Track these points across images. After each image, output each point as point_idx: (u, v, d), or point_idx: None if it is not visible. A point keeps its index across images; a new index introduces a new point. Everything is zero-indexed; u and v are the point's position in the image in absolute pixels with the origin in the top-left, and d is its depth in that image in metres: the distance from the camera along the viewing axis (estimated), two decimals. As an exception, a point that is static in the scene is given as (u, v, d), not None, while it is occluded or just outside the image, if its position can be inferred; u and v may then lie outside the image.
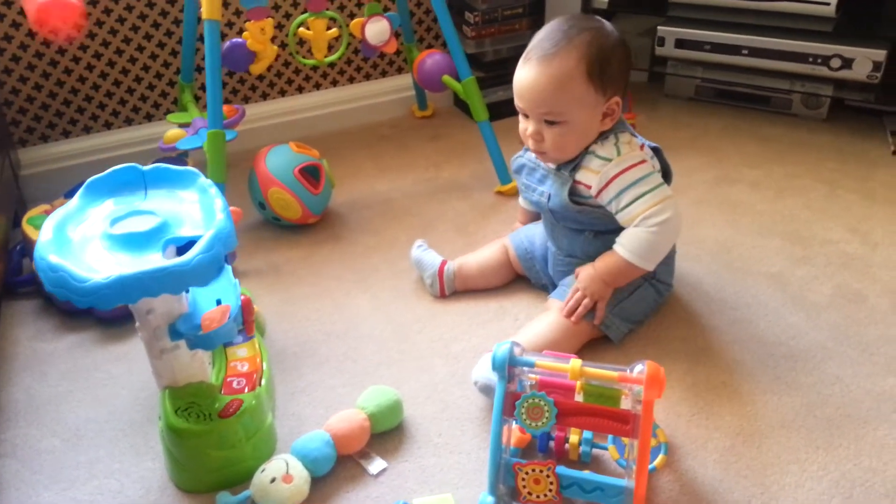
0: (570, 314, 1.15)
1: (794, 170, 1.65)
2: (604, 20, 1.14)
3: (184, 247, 0.90)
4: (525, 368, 0.91)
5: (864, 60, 1.64)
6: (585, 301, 1.15)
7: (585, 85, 1.09)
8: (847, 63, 1.66)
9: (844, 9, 1.67)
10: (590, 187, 1.13)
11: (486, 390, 1.06)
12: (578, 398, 0.90)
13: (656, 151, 1.18)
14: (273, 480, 0.93)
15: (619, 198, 1.11)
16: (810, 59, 1.69)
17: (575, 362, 0.89)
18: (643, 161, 1.12)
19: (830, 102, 1.81)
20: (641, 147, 1.15)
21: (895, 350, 1.16)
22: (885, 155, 1.70)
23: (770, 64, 1.75)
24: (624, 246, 1.14)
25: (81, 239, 0.89)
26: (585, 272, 1.17)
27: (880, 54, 1.62)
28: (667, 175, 1.19)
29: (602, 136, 1.14)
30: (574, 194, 1.15)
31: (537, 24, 1.94)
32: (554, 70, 1.09)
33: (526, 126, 1.15)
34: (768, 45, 1.73)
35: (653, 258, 1.14)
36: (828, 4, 1.64)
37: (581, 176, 1.14)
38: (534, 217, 1.37)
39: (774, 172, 1.65)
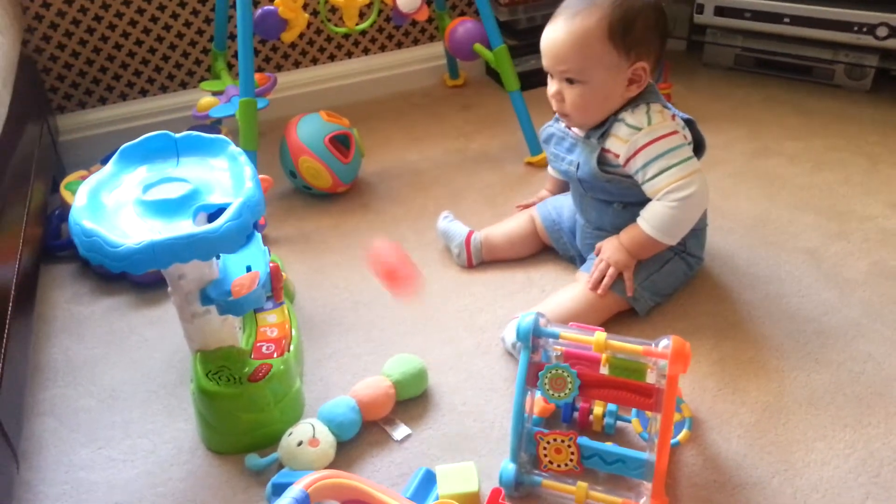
0: (595, 286, 1.15)
1: (834, 143, 1.61)
2: None
3: (214, 214, 0.91)
4: (550, 339, 0.91)
5: (913, 29, 1.58)
6: (611, 271, 1.15)
7: (606, 45, 1.07)
8: (894, 32, 1.60)
9: (893, -25, 1.61)
10: (618, 156, 1.12)
11: (514, 348, 1.07)
12: (604, 371, 0.90)
13: (689, 123, 1.15)
14: (300, 444, 0.95)
15: (646, 168, 1.10)
16: (855, 28, 1.64)
17: (599, 335, 0.89)
18: (674, 132, 1.10)
19: (875, 73, 1.75)
20: (673, 118, 1.13)
21: (931, 329, 1.13)
22: (930, 128, 1.64)
23: (813, 33, 1.70)
24: (646, 220, 1.13)
25: (115, 205, 0.91)
26: (610, 243, 1.17)
27: (930, 23, 1.56)
28: (700, 147, 1.16)
29: (632, 104, 1.12)
30: (603, 163, 1.14)
31: (572, -9, 1.90)
32: (575, 27, 1.08)
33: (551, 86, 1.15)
34: (811, 13, 1.67)
35: (675, 233, 1.13)
36: (876, -30, 1.58)
37: (610, 144, 1.12)
38: (562, 187, 1.36)
39: (814, 145, 1.60)
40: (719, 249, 1.31)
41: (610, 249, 1.16)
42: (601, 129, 1.13)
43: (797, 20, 1.69)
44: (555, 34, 1.11)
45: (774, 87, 1.83)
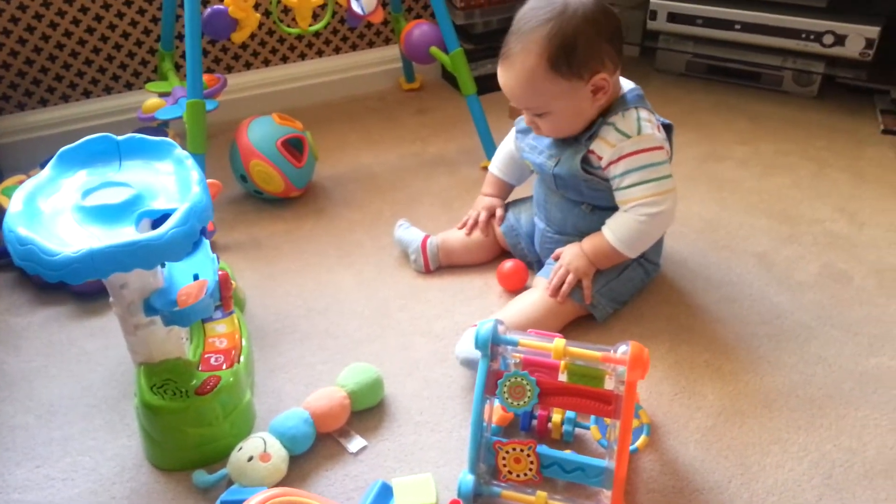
0: (555, 292, 1.14)
1: (783, 147, 1.64)
2: None
3: (158, 220, 0.88)
4: (509, 347, 0.90)
5: (857, 37, 1.62)
6: (569, 278, 1.14)
7: (553, 78, 1.05)
8: (840, 40, 1.64)
9: (838, -16, 1.65)
10: (601, 158, 1.10)
11: (467, 364, 1.05)
12: (562, 378, 0.89)
13: (668, 129, 1.15)
14: (250, 459, 0.92)
15: (624, 177, 1.09)
16: (803, 35, 1.67)
17: (559, 342, 0.88)
18: (660, 147, 1.09)
19: (822, 80, 1.79)
20: (658, 128, 1.12)
21: (879, 330, 1.15)
22: (874, 133, 1.68)
23: (762, 39, 1.73)
24: (612, 230, 1.12)
25: (52, 211, 0.86)
26: (570, 250, 1.16)
27: (873, 31, 1.60)
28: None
29: (622, 107, 1.10)
30: (585, 162, 1.12)
31: (527, -5, 1.90)
32: (518, 71, 1.07)
33: None
34: (761, 21, 1.70)
35: (637, 247, 1.13)
36: (822, -21, 1.61)
37: (596, 146, 1.10)
38: (505, 191, 1.33)
39: (763, 150, 1.63)
40: (673, 253, 1.32)
41: (570, 256, 1.15)
42: (589, 131, 1.11)
43: (747, 27, 1.72)
44: (504, 79, 1.10)
45: (724, 93, 1.86)
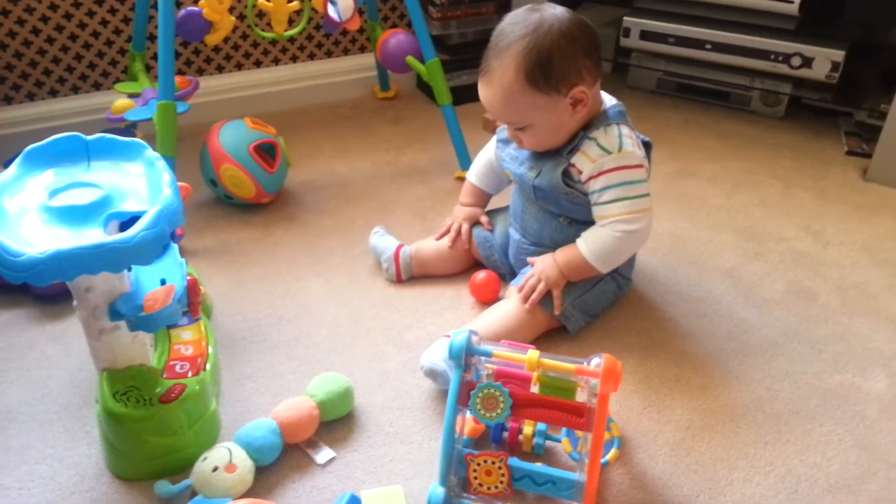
0: (524, 299, 1.14)
1: (750, 166, 1.67)
2: (549, 9, 1.07)
3: (127, 222, 0.85)
4: (482, 358, 0.89)
5: (824, 60, 1.66)
6: (540, 287, 1.14)
7: (531, 93, 1.06)
8: (807, 62, 1.68)
9: (807, 8, 1.68)
10: (581, 172, 1.11)
11: (432, 375, 1.04)
12: (534, 389, 0.89)
13: (647, 146, 1.16)
14: (215, 469, 0.89)
15: (603, 192, 1.10)
16: (772, 57, 1.71)
17: (532, 353, 0.87)
18: (640, 166, 1.10)
19: (788, 101, 1.83)
20: (639, 145, 1.12)
21: (842, 348, 1.17)
22: (838, 155, 1.72)
23: (732, 59, 1.76)
24: (586, 244, 1.13)
25: (17, 210, 0.84)
26: (543, 260, 1.16)
27: (839, 55, 1.64)
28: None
29: (604, 122, 1.10)
30: (565, 175, 1.12)
31: (504, 8, 1.91)
32: (496, 87, 1.08)
33: None
34: (731, 41, 1.73)
35: (610, 262, 1.14)
36: (791, 3, 1.65)
37: (577, 159, 1.11)
38: (483, 200, 1.33)
39: (731, 168, 1.66)
40: (643, 267, 1.33)
41: (543, 265, 1.15)
42: (570, 144, 1.12)
43: (718, 47, 1.75)
44: (484, 94, 1.11)
45: (694, 111, 1.89)
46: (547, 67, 1.05)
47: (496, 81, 1.08)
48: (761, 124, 1.84)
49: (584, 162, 1.10)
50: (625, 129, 1.10)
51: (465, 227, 1.30)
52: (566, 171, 1.12)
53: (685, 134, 1.79)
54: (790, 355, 1.16)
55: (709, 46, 1.76)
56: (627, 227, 1.10)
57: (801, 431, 1.03)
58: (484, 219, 1.31)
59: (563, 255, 1.15)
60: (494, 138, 1.26)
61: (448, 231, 1.31)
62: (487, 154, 1.29)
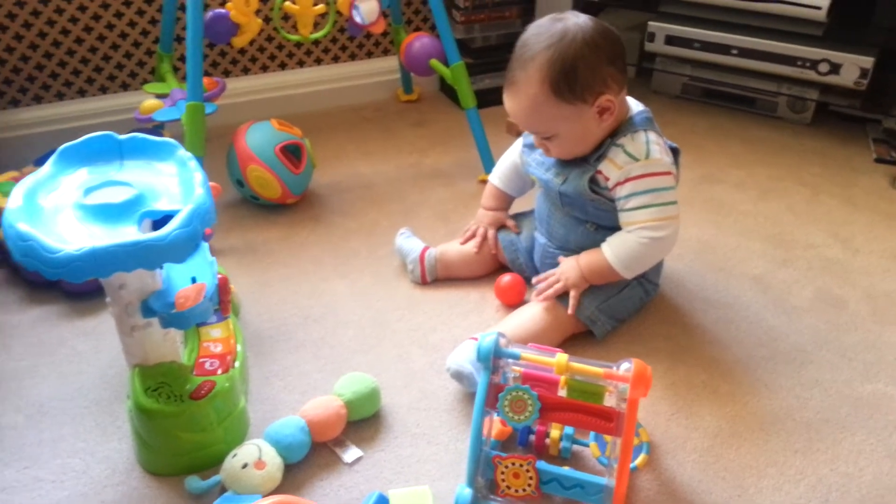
0: (539, 293, 1.15)
1: (777, 172, 1.65)
2: (572, 19, 1.07)
3: (160, 221, 0.86)
4: (510, 360, 0.89)
5: (852, 67, 1.64)
6: (558, 286, 1.15)
7: (556, 104, 1.06)
8: (835, 68, 1.66)
9: (835, 14, 1.67)
10: (608, 179, 1.10)
11: (458, 377, 1.04)
12: (561, 393, 0.89)
13: (675, 152, 1.15)
14: (245, 466, 0.90)
15: (629, 199, 1.09)
16: (799, 63, 1.70)
17: (561, 356, 0.87)
18: (668, 173, 1.09)
19: (815, 107, 1.81)
20: (667, 152, 1.12)
21: (873, 356, 1.16)
22: (866, 162, 1.71)
23: (758, 65, 1.75)
24: (612, 249, 1.12)
25: (53, 208, 0.85)
26: (568, 262, 1.16)
27: (868, 61, 1.63)
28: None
29: (630, 129, 1.10)
30: (592, 182, 1.12)
31: (527, 12, 1.92)
32: (522, 98, 1.08)
33: None
34: (758, 47, 1.72)
35: (634, 268, 1.13)
36: (819, 9, 1.64)
37: (604, 166, 1.10)
38: (504, 202, 1.32)
39: (758, 174, 1.65)
40: (671, 274, 1.32)
41: (565, 266, 1.16)
42: (597, 152, 1.11)
43: (744, 52, 1.74)
44: (510, 105, 1.11)
45: (719, 117, 1.88)
46: (572, 78, 1.05)
47: (521, 93, 1.08)
48: (788, 130, 1.82)
49: (611, 169, 1.10)
50: (652, 136, 1.10)
51: (490, 233, 1.29)
52: (593, 178, 1.11)
53: (711, 140, 1.78)
54: (820, 363, 1.15)
55: (735, 52, 1.75)
56: (654, 233, 1.09)
57: (831, 440, 1.02)
58: (510, 222, 1.30)
59: (586, 258, 1.15)
60: (519, 141, 1.26)
61: (473, 235, 1.31)
62: (512, 157, 1.29)
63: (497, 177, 1.31)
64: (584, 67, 1.04)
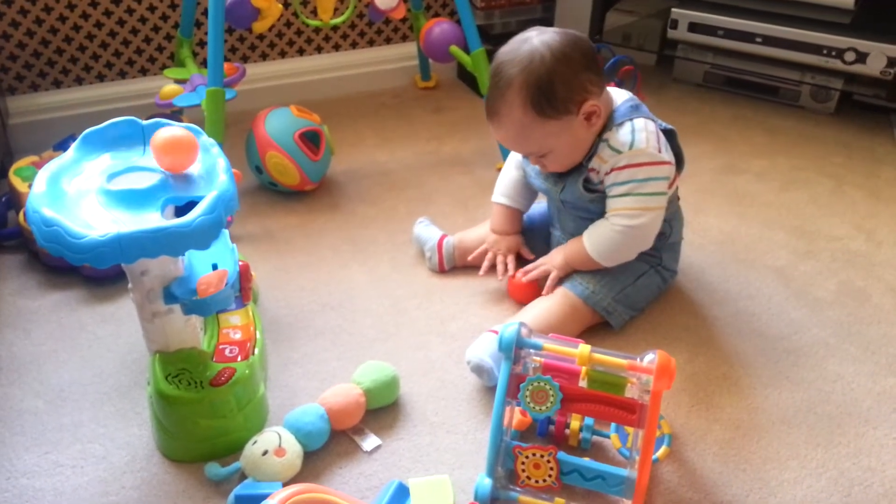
0: (525, 272, 1.19)
1: (800, 163, 1.63)
2: (538, 37, 1.06)
3: (183, 207, 0.86)
4: (531, 350, 0.89)
5: (879, 56, 1.61)
6: (541, 269, 1.18)
7: (541, 121, 1.06)
8: (861, 57, 1.63)
9: (863, 2, 1.64)
10: (598, 173, 1.11)
11: (478, 371, 1.04)
12: (582, 384, 0.88)
13: (670, 135, 1.14)
14: (265, 453, 0.90)
15: (612, 187, 1.10)
16: (824, 52, 1.67)
17: (584, 347, 0.87)
18: (653, 163, 1.08)
19: (839, 96, 1.78)
20: (658, 135, 1.10)
21: (897, 350, 1.15)
22: (891, 152, 1.68)
23: (783, 54, 1.72)
24: (589, 236, 1.14)
25: (76, 193, 0.85)
26: (558, 250, 1.19)
27: (896, 50, 1.60)
28: (679, 160, 1.15)
29: (615, 123, 1.09)
30: (586, 182, 1.12)
31: (548, -2, 1.90)
32: (508, 125, 1.09)
33: None
34: (783, 35, 1.70)
35: (609, 257, 1.13)
36: (846, -4, 1.61)
37: (594, 163, 1.11)
38: (515, 221, 1.26)
39: (780, 164, 1.62)
40: (691, 264, 1.31)
41: (555, 254, 1.19)
42: (589, 152, 1.11)
43: (768, 40, 1.72)
44: (498, 134, 1.12)
45: (741, 106, 1.86)
46: (551, 94, 1.05)
47: (506, 120, 1.08)
48: (811, 120, 1.80)
49: (600, 164, 1.10)
50: (638, 123, 1.08)
51: (510, 261, 1.23)
52: (587, 177, 1.12)
53: (733, 129, 1.76)
54: (843, 356, 1.13)
55: (759, 40, 1.72)
56: (628, 221, 1.09)
57: (854, 434, 1.01)
58: (525, 249, 1.26)
59: (571, 245, 1.17)
60: (514, 155, 1.25)
61: (492, 265, 1.24)
62: (510, 172, 1.27)
63: (502, 195, 1.26)
64: (560, 81, 1.05)
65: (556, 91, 1.04)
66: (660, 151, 1.09)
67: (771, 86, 1.84)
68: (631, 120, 1.09)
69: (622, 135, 1.08)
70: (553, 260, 1.18)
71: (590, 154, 1.11)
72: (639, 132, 1.08)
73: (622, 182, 1.09)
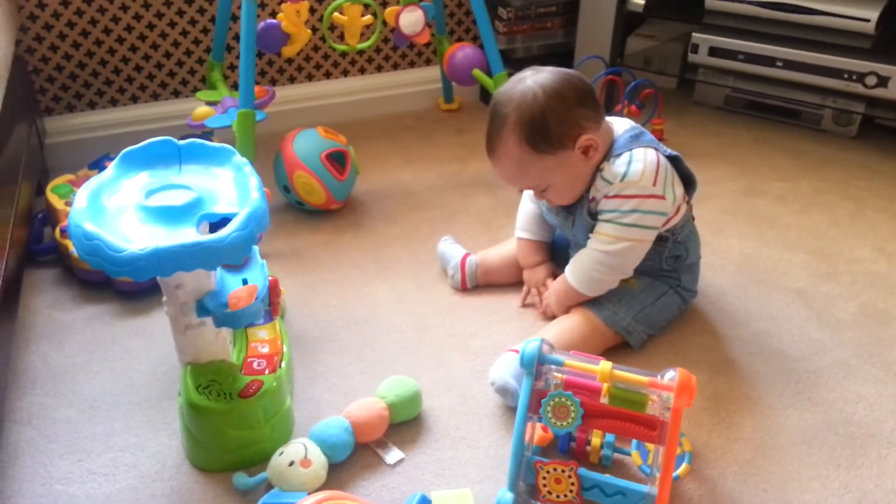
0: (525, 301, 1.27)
1: (821, 185, 1.64)
2: (532, 77, 1.10)
3: (217, 223, 0.89)
4: (553, 367, 0.90)
5: (900, 80, 1.62)
6: (535, 293, 1.25)
7: (538, 157, 1.09)
8: (883, 81, 1.64)
9: (884, 26, 1.65)
10: (596, 202, 1.14)
11: (503, 392, 1.05)
12: (603, 401, 0.89)
13: (676, 160, 1.14)
14: (291, 464, 0.92)
15: (601, 213, 1.13)
16: (846, 76, 1.68)
17: (605, 364, 0.88)
18: (643, 196, 1.09)
19: (861, 120, 1.79)
20: (657, 165, 1.09)
21: (920, 372, 1.15)
22: (913, 176, 1.68)
23: (804, 78, 1.73)
24: (570, 267, 1.17)
25: (116, 209, 0.88)
26: (551, 289, 1.22)
27: (917, 74, 1.61)
28: (690, 182, 1.17)
29: (613, 154, 1.11)
30: (590, 212, 1.15)
31: (570, 23, 1.93)
32: (506, 162, 1.12)
33: None
34: (803, 59, 1.71)
35: (588, 285, 1.15)
36: (867, 21, 1.62)
37: (592, 192, 1.14)
38: (543, 252, 1.28)
39: (802, 187, 1.63)
40: (711, 285, 1.32)
41: (551, 291, 1.22)
42: (590, 184, 1.14)
43: (789, 64, 1.73)
44: (498, 171, 1.16)
45: (763, 129, 1.87)
46: (545, 130, 1.08)
47: (504, 158, 1.12)
48: (833, 144, 1.80)
49: (595, 193, 1.13)
50: (637, 154, 1.10)
51: (543, 290, 1.26)
52: (588, 208, 1.15)
53: (754, 152, 1.77)
54: (864, 377, 1.13)
55: (780, 64, 1.74)
56: (604, 246, 1.12)
57: (876, 455, 1.01)
58: (558, 273, 1.26)
59: (556, 286, 1.20)
60: (528, 192, 1.28)
61: (534, 300, 1.27)
62: (527, 206, 1.30)
63: (524, 230, 1.29)
64: (554, 118, 1.08)
65: (549, 127, 1.08)
66: (654, 184, 1.09)
67: (793, 109, 1.85)
68: (630, 150, 1.11)
69: (617, 166, 1.10)
70: (549, 303, 1.21)
71: (590, 186, 1.14)
72: (635, 164, 1.09)
73: (609, 210, 1.11)
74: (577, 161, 1.10)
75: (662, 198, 1.10)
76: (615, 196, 1.10)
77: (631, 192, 1.09)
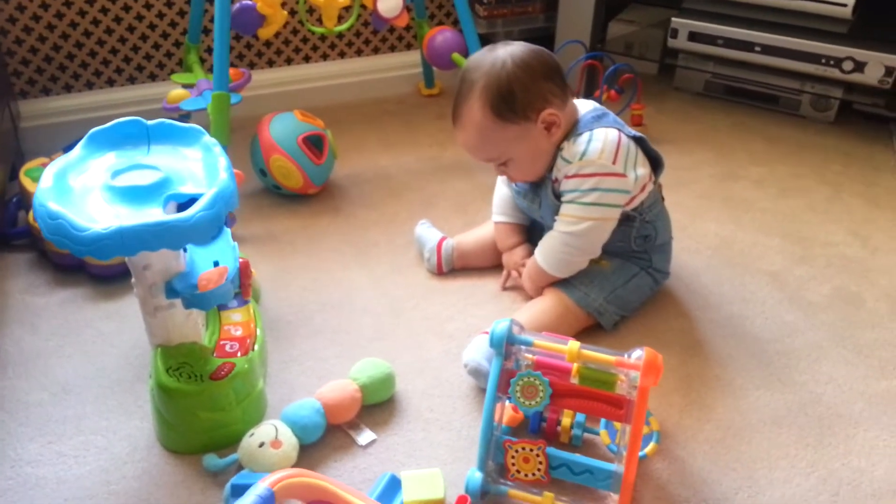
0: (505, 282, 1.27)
1: (798, 170, 1.64)
2: (503, 48, 1.10)
3: (185, 204, 0.88)
4: (522, 347, 0.91)
5: (877, 65, 1.63)
6: (514, 275, 1.25)
7: (501, 126, 1.09)
8: (859, 66, 1.65)
9: (861, 11, 1.65)
10: (558, 182, 1.14)
11: (476, 374, 1.05)
12: (573, 381, 0.90)
13: (640, 141, 1.14)
14: (261, 445, 0.92)
15: (564, 194, 1.13)
16: (823, 61, 1.69)
17: (573, 344, 0.88)
18: (603, 174, 1.09)
19: (839, 105, 1.80)
20: (618, 143, 1.09)
21: (890, 354, 1.16)
22: (889, 161, 1.69)
23: (782, 63, 1.74)
24: (539, 248, 1.17)
25: (82, 188, 0.88)
26: (525, 268, 1.22)
27: (894, 59, 1.61)
28: (657, 163, 1.17)
29: (574, 134, 1.11)
30: (554, 192, 1.15)
31: (551, 7, 1.93)
32: (469, 128, 1.12)
33: None
34: (782, 44, 1.72)
35: (556, 266, 1.16)
36: (844, 6, 1.62)
37: (554, 173, 1.14)
38: (521, 233, 1.28)
39: (779, 172, 1.64)
40: (686, 268, 1.32)
41: (525, 274, 1.22)
42: (552, 164, 1.14)
43: (768, 49, 1.74)
44: (460, 138, 1.15)
45: (742, 114, 1.87)
46: (510, 98, 1.08)
47: (467, 123, 1.12)
48: (811, 129, 1.81)
49: (556, 173, 1.14)
50: (597, 133, 1.10)
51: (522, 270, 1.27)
52: (552, 188, 1.15)
53: (733, 137, 1.78)
54: (835, 360, 1.14)
55: (758, 49, 1.74)
56: (566, 227, 1.12)
57: (844, 435, 1.02)
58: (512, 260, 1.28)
59: (528, 268, 1.21)
60: (503, 177, 1.27)
61: (515, 282, 1.28)
62: (502, 189, 1.30)
63: (500, 214, 1.29)
64: (520, 87, 1.08)
65: (514, 95, 1.08)
66: (614, 163, 1.09)
67: (771, 95, 1.86)
68: (591, 130, 1.11)
69: (577, 145, 1.10)
70: (525, 283, 1.22)
71: (552, 165, 1.14)
72: (594, 142, 1.09)
73: (569, 190, 1.12)
74: (539, 135, 1.10)
75: (623, 175, 1.10)
76: (574, 175, 1.10)
77: (589, 170, 1.09)
